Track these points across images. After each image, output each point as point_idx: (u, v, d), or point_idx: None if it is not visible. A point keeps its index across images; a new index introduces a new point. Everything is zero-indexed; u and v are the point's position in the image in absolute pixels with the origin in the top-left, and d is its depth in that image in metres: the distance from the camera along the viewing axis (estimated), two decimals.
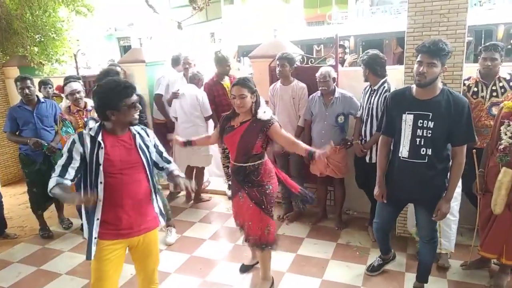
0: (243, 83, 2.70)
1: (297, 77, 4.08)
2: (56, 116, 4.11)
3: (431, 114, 2.47)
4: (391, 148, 2.75)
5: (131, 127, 2.30)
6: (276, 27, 4.83)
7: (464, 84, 3.46)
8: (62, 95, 4.40)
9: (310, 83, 3.99)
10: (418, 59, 2.46)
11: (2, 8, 6.30)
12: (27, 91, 4.03)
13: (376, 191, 2.83)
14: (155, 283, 2.52)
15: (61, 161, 2.17)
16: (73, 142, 2.17)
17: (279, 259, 3.47)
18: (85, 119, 3.92)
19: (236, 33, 11.82)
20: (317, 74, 3.73)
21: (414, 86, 2.59)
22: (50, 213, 4.60)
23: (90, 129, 2.24)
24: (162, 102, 5.00)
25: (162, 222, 2.46)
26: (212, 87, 4.75)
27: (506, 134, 2.73)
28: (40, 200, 4.24)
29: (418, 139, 2.51)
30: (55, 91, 4.86)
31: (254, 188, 2.84)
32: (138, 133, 2.34)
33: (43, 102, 4.20)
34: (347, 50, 6.57)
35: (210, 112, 4.65)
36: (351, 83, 3.99)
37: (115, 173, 2.17)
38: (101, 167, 2.14)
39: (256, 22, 11.45)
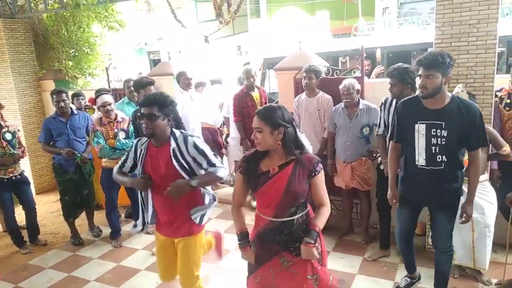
0: (261, 113, 2.08)
1: (322, 88, 4.08)
2: (88, 127, 4.27)
3: (444, 123, 2.51)
4: (406, 155, 2.76)
5: (171, 140, 2.49)
6: (302, 39, 4.87)
7: (496, 96, 3.37)
8: (94, 106, 4.58)
9: (335, 95, 3.98)
10: (419, 72, 2.52)
11: (40, 25, 6.66)
12: (62, 104, 4.21)
13: (388, 194, 2.87)
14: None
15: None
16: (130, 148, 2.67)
17: None
18: (116, 130, 4.06)
19: (263, 46, 11.95)
20: (341, 87, 3.72)
21: None
22: (81, 221, 4.75)
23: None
24: None
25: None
26: (241, 98, 4.84)
27: None
28: (71, 208, 4.40)
29: (433, 147, 2.55)
30: (87, 103, 5.06)
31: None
32: (177, 145, 2.49)
33: (76, 114, 4.37)
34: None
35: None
36: (376, 95, 3.95)
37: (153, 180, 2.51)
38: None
39: (282, 35, 11.54)
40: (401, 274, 3.31)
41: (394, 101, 3.54)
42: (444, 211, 2.70)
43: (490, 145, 3.09)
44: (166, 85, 5.45)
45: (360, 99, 3.79)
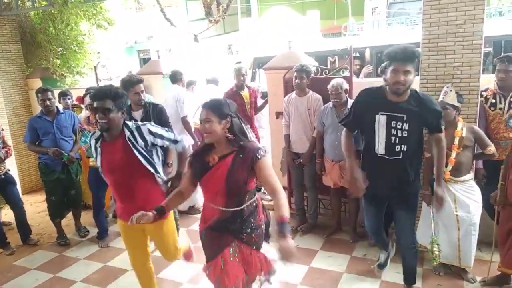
0: (209, 105, 2.17)
1: (311, 88, 4.08)
2: (75, 126, 4.22)
3: (404, 116, 2.52)
4: (364, 145, 2.76)
5: (125, 130, 2.55)
6: (292, 39, 4.87)
7: (482, 95, 3.40)
8: (82, 105, 4.52)
9: (324, 94, 3.98)
10: (392, 67, 2.43)
11: (27, 23, 6.57)
12: (47, 102, 4.15)
13: (353, 180, 2.71)
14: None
15: None
16: None
17: (292, 271, 3.44)
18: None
19: (253, 45, 11.95)
20: (329, 86, 3.73)
21: (387, 88, 2.57)
22: (68, 221, 4.69)
23: None
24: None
25: None
26: (230, 97, 4.81)
27: None
28: (58, 208, 4.34)
29: (393, 138, 2.55)
30: (75, 102, 5.00)
31: (253, 233, 2.29)
32: (131, 134, 2.55)
33: (62, 113, 4.31)
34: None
35: (184, 114, 4.66)
36: None
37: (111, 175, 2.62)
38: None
39: (273, 34, 11.55)
40: (388, 273, 3.32)
41: (366, 88, 3.56)
42: (405, 207, 2.74)
43: (476, 145, 3.13)
44: (155, 83, 5.41)
45: (349, 99, 3.81)
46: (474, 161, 3.25)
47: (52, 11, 6.44)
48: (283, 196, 2.11)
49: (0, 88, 6.00)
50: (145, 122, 2.66)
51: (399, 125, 2.51)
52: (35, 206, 5.66)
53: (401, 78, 2.40)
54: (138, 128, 2.57)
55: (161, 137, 2.64)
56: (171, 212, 2.79)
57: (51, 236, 4.55)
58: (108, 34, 7.75)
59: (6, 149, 4.16)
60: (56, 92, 4.68)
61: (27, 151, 5.95)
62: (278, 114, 4.53)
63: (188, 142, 4.57)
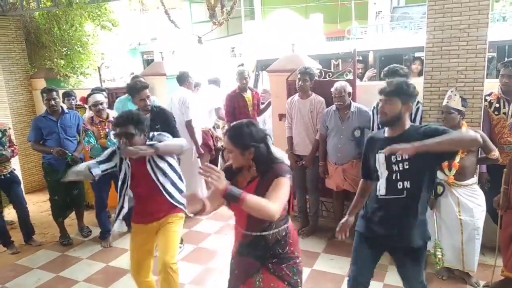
0: (230, 135, 2.03)
1: (314, 90, 4.10)
2: (79, 126, 4.24)
3: None
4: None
5: None
6: (295, 42, 4.88)
7: (485, 100, 3.41)
8: (86, 106, 4.54)
9: (327, 97, 4.00)
10: (379, 98, 2.36)
11: (32, 23, 6.60)
12: (52, 102, 4.18)
13: (342, 221, 2.55)
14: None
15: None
16: None
17: None
18: (107, 130, 4.03)
19: (256, 47, 11.98)
20: (332, 89, 3.74)
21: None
22: (71, 221, 4.71)
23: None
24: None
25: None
26: (233, 99, 4.83)
27: None
28: (61, 208, 4.36)
29: (394, 174, 2.29)
30: (79, 103, 5.02)
31: (282, 265, 2.07)
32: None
33: (67, 113, 4.33)
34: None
35: (189, 117, 4.66)
36: (368, 98, 3.97)
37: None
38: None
39: (276, 37, 11.57)
40: (390, 275, 3.32)
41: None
42: (409, 254, 2.37)
43: (480, 149, 3.13)
44: (158, 85, 5.43)
45: (352, 102, 3.82)
46: (478, 165, 3.25)
47: (57, 11, 6.47)
48: (268, 203, 1.85)
49: (4, 88, 6.03)
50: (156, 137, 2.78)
51: (398, 157, 2.24)
52: (38, 205, 5.67)
53: (384, 108, 2.30)
54: (152, 139, 2.73)
55: (165, 136, 2.84)
56: (182, 218, 2.88)
57: (54, 236, 4.56)
58: (112, 35, 7.77)
59: (13, 148, 4.18)
60: (60, 92, 4.69)
61: (30, 150, 5.97)
62: (281, 117, 4.54)
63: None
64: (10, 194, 4.25)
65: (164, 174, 2.75)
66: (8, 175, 4.14)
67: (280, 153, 2.15)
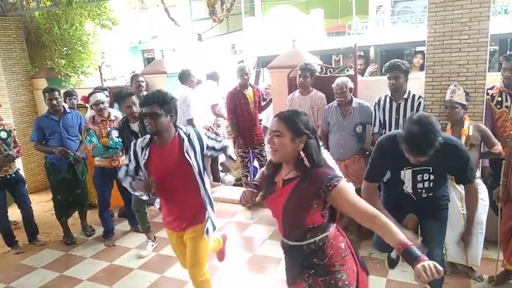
0: (283, 115, 1.79)
1: (315, 86, 4.08)
2: (81, 126, 4.25)
3: (431, 168, 2.42)
4: (386, 184, 2.69)
5: (181, 135, 2.53)
6: (296, 37, 4.87)
7: (488, 94, 3.39)
8: (87, 105, 4.54)
9: (328, 93, 3.98)
10: (410, 155, 2.28)
11: (32, 23, 6.60)
12: (54, 102, 4.18)
13: None
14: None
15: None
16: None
17: None
18: (109, 129, 4.03)
19: (257, 44, 11.95)
20: (334, 85, 3.72)
21: None
22: (74, 220, 4.72)
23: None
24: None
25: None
26: (234, 96, 4.83)
27: None
28: (64, 207, 4.37)
29: (420, 184, 2.48)
30: (80, 102, 5.02)
31: (319, 278, 1.84)
32: (189, 140, 2.53)
33: (69, 112, 4.34)
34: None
35: (190, 116, 4.61)
36: (370, 93, 3.96)
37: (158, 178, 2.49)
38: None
39: (277, 33, 11.53)
40: (394, 271, 3.31)
41: (388, 99, 3.58)
42: (434, 219, 2.59)
43: (482, 143, 3.11)
44: (159, 83, 5.43)
45: (353, 98, 3.80)
46: (481, 159, 3.23)
47: (57, 11, 6.47)
48: (384, 219, 1.61)
49: (6, 88, 6.04)
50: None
51: (425, 176, 2.45)
52: (41, 205, 5.69)
53: (420, 161, 2.29)
54: (196, 131, 2.60)
55: (216, 140, 2.69)
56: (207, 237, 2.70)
57: (58, 235, 4.58)
58: (113, 34, 7.77)
59: (18, 149, 4.19)
60: (61, 92, 4.69)
61: (33, 150, 5.99)
62: None
63: None
64: (15, 193, 4.26)
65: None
66: (14, 175, 4.16)
67: (329, 157, 1.92)
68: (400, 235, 1.57)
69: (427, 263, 1.46)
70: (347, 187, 1.72)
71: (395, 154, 2.35)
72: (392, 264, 2.95)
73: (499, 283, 3.09)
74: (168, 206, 2.66)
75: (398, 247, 1.54)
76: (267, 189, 1.91)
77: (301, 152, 1.76)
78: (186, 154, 2.47)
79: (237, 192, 5.45)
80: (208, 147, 2.60)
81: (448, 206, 2.67)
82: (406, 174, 2.46)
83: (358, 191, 3.95)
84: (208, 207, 2.63)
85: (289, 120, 1.76)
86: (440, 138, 2.20)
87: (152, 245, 4.09)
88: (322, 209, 1.77)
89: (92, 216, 4.78)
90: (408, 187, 2.51)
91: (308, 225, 1.79)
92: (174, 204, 2.62)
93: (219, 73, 5.79)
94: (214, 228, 2.69)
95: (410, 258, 1.51)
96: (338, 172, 1.83)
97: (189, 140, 2.52)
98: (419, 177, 2.44)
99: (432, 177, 2.43)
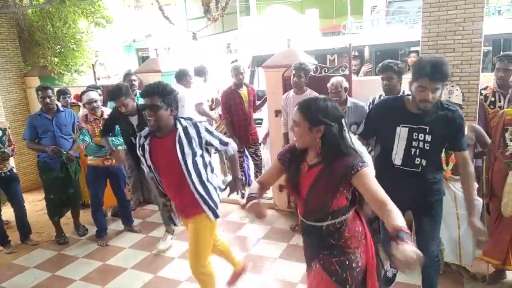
0: (301, 105, 1.82)
1: (310, 86, 4.08)
2: (75, 124, 4.21)
3: (428, 127, 2.36)
4: (379, 152, 2.62)
5: (178, 127, 2.52)
6: (291, 37, 4.86)
7: (481, 94, 3.41)
8: (79, 103, 4.50)
9: (323, 92, 3.97)
10: (420, 83, 2.21)
11: (25, 20, 6.54)
12: (48, 100, 4.13)
13: None
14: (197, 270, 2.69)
15: None
16: None
17: (291, 270, 3.44)
18: (102, 128, 4.00)
19: (252, 43, 11.94)
20: (329, 85, 3.72)
21: (407, 98, 2.43)
22: (67, 220, 4.68)
23: None
24: None
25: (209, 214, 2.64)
26: (229, 95, 4.81)
27: (511, 140, 2.76)
28: (56, 206, 4.33)
29: (413, 149, 2.40)
30: (73, 100, 4.98)
31: (333, 258, 1.89)
32: (186, 133, 2.52)
33: (62, 111, 4.29)
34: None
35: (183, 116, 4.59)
36: (364, 93, 3.97)
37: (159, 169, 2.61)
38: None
39: (272, 32, 11.53)
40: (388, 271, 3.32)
41: (385, 97, 3.57)
42: (428, 214, 2.54)
43: (476, 143, 3.13)
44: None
45: (348, 97, 3.80)
46: (474, 159, 3.25)
47: (50, 9, 6.41)
48: (393, 207, 1.66)
49: None
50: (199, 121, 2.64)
51: (421, 137, 2.36)
52: (34, 204, 5.64)
53: (429, 96, 2.20)
54: (195, 124, 2.56)
55: (216, 136, 2.65)
56: (213, 224, 2.69)
57: (50, 235, 4.54)
58: (107, 32, 7.72)
59: (12, 147, 4.14)
60: (55, 90, 4.65)
61: (25, 149, 5.94)
62: (277, 113, 4.53)
63: None
64: (9, 192, 4.22)
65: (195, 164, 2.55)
66: (8, 173, 4.12)
67: (362, 148, 1.92)
68: (399, 221, 1.60)
69: (412, 248, 1.49)
70: (369, 173, 1.76)
71: (392, 109, 2.45)
72: (388, 284, 3.04)
73: (492, 282, 3.11)
74: (170, 195, 2.71)
75: (391, 230, 1.59)
76: (293, 176, 1.93)
77: (319, 140, 1.79)
78: (175, 148, 2.47)
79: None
80: (207, 143, 2.59)
81: (443, 201, 2.63)
82: (402, 133, 2.39)
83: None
84: (206, 197, 2.61)
85: (305, 109, 1.79)
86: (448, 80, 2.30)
87: (172, 238, 4.10)
88: (348, 191, 1.84)
89: (85, 216, 4.74)
90: (398, 155, 2.42)
91: (334, 207, 1.84)
92: (174, 195, 2.67)
93: (208, 68, 5.60)
94: (216, 216, 2.68)
95: (398, 239, 1.54)
96: (366, 156, 1.87)
97: (186, 133, 2.50)
98: (414, 135, 2.36)
99: (428, 138, 2.34)
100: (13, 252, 4.19)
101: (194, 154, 2.53)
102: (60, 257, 4.06)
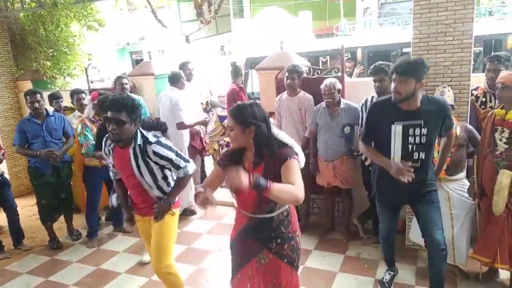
0: (232, 112, 2.06)
1: (303, 88, 4.09)
2: (65, 128, 4.18)
3: (422, 121, 2.52)
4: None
5: (132, 142, 2.57)
6: (284, 39, 4.88)
7: (472, 94, 3.43)
8: (85, 102, 4.47)
9: (316, 94, 3.99)
10: (393, 78, 2.55)
11: (17, 24, 6.50)
12: (36, 105, 4.07)
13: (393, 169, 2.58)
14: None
15: None
16: None
17: None
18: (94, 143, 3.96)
19: (246, 45, 11.96)
20: (322, 86, 3.74)
21: None
22: (60, 225, 4.64)
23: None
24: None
25: None
26: (236, 95, 4.81)
27: (501, 140, 2.77)
28: (49, 211, 4.28)
29: (410, 146, 2.55)
30: (86, 102, 4.89)
31: (285, 244, 2.15)
32: (140, 148, 2.57)
33: (52, 115, 4.22)
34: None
35: (181, 119, 4.54)
36: (357, 94, 3.98)
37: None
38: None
39: (265, 35, 11.57)
40: (382, 271, 3.34)
41: (375, 100, 3.59)
42: (426, 201, 2.70)
43: (469, 143, 3.15)
44: (146, 85, 5.38)
45: (341, 99, 3.82)
46: (467, 159, 3.27)
47: (42, 12, 6.37)
48: (291, 188, 1.89)
49: None
50: (155, 140, 2.58)
51: (417, 131, 2.52)
52: (27, 209, 5.59)
53: (398, 88, 2.49)
54: (145, 143, 2.54)
55: (167, 159, 2.58)
56: (175, 220, 2.79)
57: (43, 240, 4.50)
58: (100, 36, 7.68)
59: (2, 151, 4.10)
60: (47, 94, 4.62)
61: (17, 154, 5.89)
62: (271, 115, 4.52)
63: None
64: (1, 197, 4.17)
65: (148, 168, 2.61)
66: (0, 178, 4.08)
67: (289, 139, 2.12)
68: (277, 185, 1.86)
69: (241, 172, 1.79)
70: (296, 164, 2.01)
71: (384, 109, 2.63)
72: (383, 286, 3.12)
73: (485, 281, 3.13)
74: (133, 194, 2.81)
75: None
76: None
77: (253, 141, 2.02)
78: (130, 161, 2.56)
79: (226, 194, 5.43)
80: (161, 158, 2.56)
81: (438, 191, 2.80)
82: (397, 130, 2.52)
83: (348, 192, 4.00)
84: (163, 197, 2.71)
85: (237, 115, 2.02)
86: (426, 68, 2.53)
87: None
88: None
89: (79, 220, 4.70)
90: (396, 154, 2.54)
91: None
92: (136, 196, 2.78)
93: (183, 75, 4.92)
94: (176, 208, 2.79)
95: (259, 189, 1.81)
96: (297, 149, 2.09)
97: (141, 149, 2.55)
98: (410, 131, 2.52)
99: (424, 131, 2.51)
100: (6, 257, 4.15)
101: (150, 168, 2.60)
102: (53, 262, 4.03)
